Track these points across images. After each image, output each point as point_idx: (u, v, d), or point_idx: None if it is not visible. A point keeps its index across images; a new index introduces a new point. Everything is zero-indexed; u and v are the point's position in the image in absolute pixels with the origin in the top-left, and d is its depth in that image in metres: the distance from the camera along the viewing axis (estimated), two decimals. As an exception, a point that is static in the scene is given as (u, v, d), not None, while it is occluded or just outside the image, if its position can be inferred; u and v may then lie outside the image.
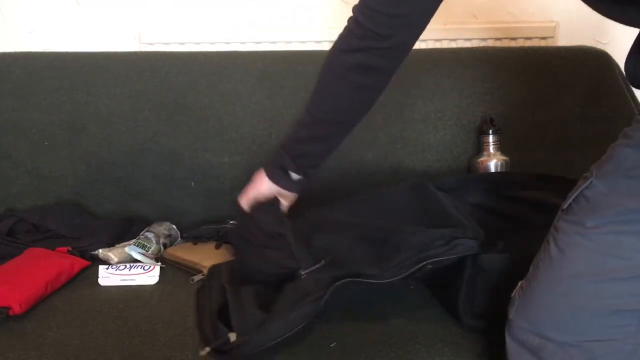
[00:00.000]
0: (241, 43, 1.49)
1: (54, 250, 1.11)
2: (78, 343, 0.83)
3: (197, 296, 0.96)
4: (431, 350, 0.82)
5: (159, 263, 1.08)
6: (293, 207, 1.03)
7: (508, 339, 0.75)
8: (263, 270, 0.95)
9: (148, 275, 1.03)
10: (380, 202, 1.04)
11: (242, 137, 1.31)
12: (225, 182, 1.32)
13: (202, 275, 1.02)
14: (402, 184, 1.09)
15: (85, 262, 1.09)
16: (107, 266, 1.04)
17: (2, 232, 1.19)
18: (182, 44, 1.49)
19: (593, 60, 1.37)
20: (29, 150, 1.31)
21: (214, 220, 1.23)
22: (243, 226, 1.02)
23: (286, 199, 1.00)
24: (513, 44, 1.52)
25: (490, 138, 1.28)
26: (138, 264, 1.05)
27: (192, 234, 1.21)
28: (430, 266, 0.83)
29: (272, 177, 0.97)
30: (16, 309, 0.89)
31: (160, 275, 1.03)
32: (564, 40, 1.53)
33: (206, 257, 1.07)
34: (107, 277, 1.02)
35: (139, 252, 1.10)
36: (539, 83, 1.35)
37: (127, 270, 1.03)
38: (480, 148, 1.31)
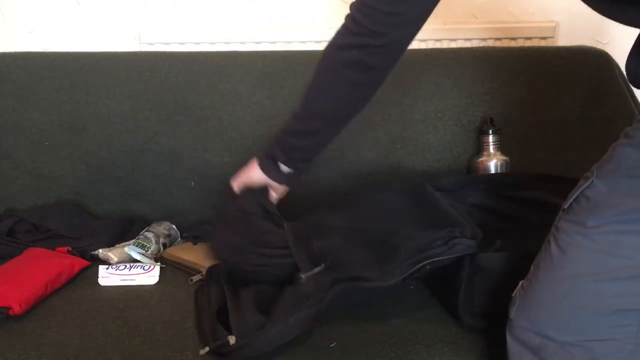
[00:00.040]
0: (241, 43, 1.49)
1: (54, 250, 1.11)
2: (78, 343, 0.83)
3: (195, 297, 0.96)
4: (431, 350, 0.82)
5: (159, 263, 1.08)
6: (283, 202, 1.03)
7: (509, 339, 0.75)
8: (260, 270, 0.95)
9: (148, 275, 1.03)
10: (377, 204, 1.04)
11: (242, 137, 1.31)
12: (225, 182, 1.31)
13: (201, 275, 1.02)
14: (400, 184, 1.09)
15: (85, 262, 1.09)
16: (107, 266, 1.04)
17: (2, 232, 1.20)
18: (182, 44, 1.49)
19: (593, 60, 1.37)
20: (29, 150, 1.31)
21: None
22: (228, 208, 1.02)
23: (275, 191, 1.00)
24: (513, 44, 1.52)
25: (490, 138, 1.28)
26: (138, 264, 1.06)
27: (192, 234, 1.21)
28: (429, 266, 0.83)
29: (263, 167, 0.97)
30: (16, 309, 0.89)
31: (160, 275, 1.03)
32: (564, 40, 1.53)
33: (206, 257, 1.07)
34: (107, 277, 1.02)
35: (139, 252, 1.10)
36: (539, 83, 1.35)
37: (127, 270, 1.03)
38: (480, 148, 1.31)
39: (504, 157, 1.29)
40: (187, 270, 1.06)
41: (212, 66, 1.35)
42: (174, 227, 1.24)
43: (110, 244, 1.15)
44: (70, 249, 1.12)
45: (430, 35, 1.50)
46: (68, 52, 1.39)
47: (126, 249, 1.10)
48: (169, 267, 1.08)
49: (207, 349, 0.78)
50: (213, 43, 1.49)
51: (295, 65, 1.34)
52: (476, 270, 0.85)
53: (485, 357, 0.82)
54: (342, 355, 0.81)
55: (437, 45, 1.51)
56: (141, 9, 1.49)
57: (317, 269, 0.87)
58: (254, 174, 0.99)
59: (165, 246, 1.16)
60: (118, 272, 1.03)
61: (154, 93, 1.32)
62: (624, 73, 1.35)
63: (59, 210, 1.27)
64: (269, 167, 0.97)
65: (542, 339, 0.72)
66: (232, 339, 0.77)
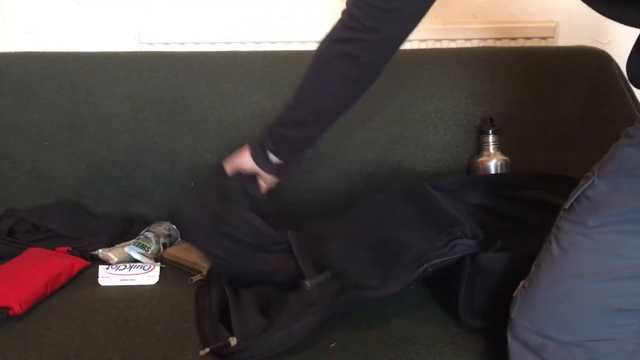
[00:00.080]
0: (241, 43, 1.49)
1: (54, 250, 1.11)
2: (78, 343, 0.83)
3: (196, 297, 0.96)
4: (431, 350, 0.82)
5: (159, 263, 1.08)
6: (282, 201, 1.04)
7: (510, 339, 0.75)
8: (262, 272, 0.95)
9: (148, 275, 1.03)
10: (378, 206, 1.04)
11: (242, 137, 1.31)
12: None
13: (201, 275, 1.01)
14: (400, 184, 1.09)
15: (85, 262, 1.09)
16: (107, 266, 1.04)
17: (2, 232, 1.19)
18: (182, 44, 1.49)
19: (593, 60, 1.38)
20: (29, 150, 1.31)
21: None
22: (212, 187, 1.02)
23: (265, 181, 1.00)
24: (513, 44, 1.52)
25: (490, 138, 1.28)
26: (138, 264, 1.06)
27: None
28: (431, 269, 0.83)
29: (254, 156, 0.97)
30: (16, 309, 0.89)
31: (160, 275, 1.03)
32: (564, 40, 1.53)
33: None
34: (107, 277, 1.02)
35: (139, 252, 1.10)
36: (539, 83, 1.35)
37: (127, 270, 1.03)
38: (480, 148, 1.31)
39: (504, 157, 1.29)
40: (187, 270, 1.06)
41: (212, 66, 1.35)
42: (174, 227, 1.24)
43: (110, 244, 1.15)
44: (70, 249, 1.12)
45: (430, 35, 1.50)
46: (68, 52, 1.39)
47: (126, 249, 1.10)
48: (169, 267, 1.08)
49: (207, 349, 0.78)
50: (213, 43, 1.49)
51: (295, 65, 1.34)
52: (477, 270, 0.85)
53: (485, 357, 0.82)
54: (342, 355, 0.81)
55: (437, 45, 1.51)
56: (141, 9, 1.49)
57: (321, 277, 0.87)
58: (245, 161, 0.99)
59: (165, 246, 1.16)
60: (118, 272, 1.03)
61: (154, 93, 1.33)
62: (624, 73, 1.35)
63: (59, 210, 1.27)
64: (259, 157, 0.97)
65: (543, 339, 0.72)
66: (233, 341, 0.77)
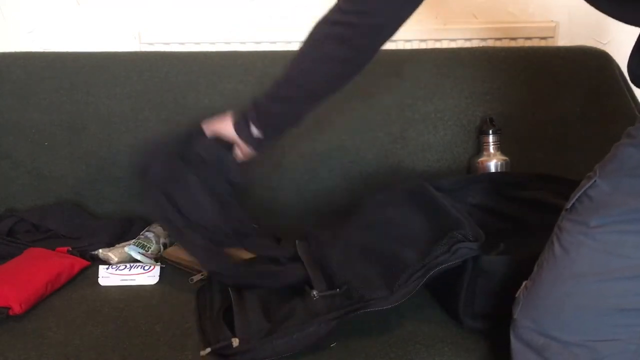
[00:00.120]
0: (241, 43, 1.49)
1: (54, 250, 1.11)
2: (78, 343, 0.83)
3: (197, 297, 0.96)
4: (431, 350, 0.82)
5: (159, 263, 1.08)
6: (283, 203, 1.03)
7: (512, 339, 0.75)
8: (265, 277, 0.96)
9: (148, 275, 1.03)
10: (381, 209, 1.04)
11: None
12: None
13: (202, 275, 1.02)
14: (400, 186, 1.09)
15: (85, 262, 1.09)
16: (107, 266, 1.04)
17: (2, 232, 1.19)
18: (182, 44, 1.49)
19: (593, 60, 1.37)
20: (29, 150, 1.31)
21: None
22: (185, 145, 1.00)
23: (242, 151, 0.99)
24: (513, 44, 1.52)
25: (490, 138, 1.28)
26: (138, 264, 1.05)
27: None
28: (434, 275, 0.83)
29: (235, 125, 0.97)
30: (16, 309, 0.89)
31: (160, 275, 1.03)
32: (564, 40, 1.53)
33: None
34: (107, 277, 1.02)
35: (139, 252, 1.10)
36: (539, 83, 1.35)
37: (127, 270, 1.03)
38: (480, 148, 1.31)
39: (504, 157, 1.29)
40: (187, 270, 1.06)
41: (212, 66, 1.35)
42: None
43: (110, 244, 1.15)
44: (70, 249, 1.12)
45: (430, 35, 1.50)
46: (68, 52, 1.39)
47: (126, 249, 1.10)
48: (169, 267, 1.08)
49: (208, 349, 0.78)
50: (213, 43, 1.49)
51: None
52: (479, 272, 0.85)
53: (485, 358, 0.82)
54: (342, 355, 0.81)
55: (437, 45, 1.51)
56: (141, 9, 1.49)
57: (332, 292, 0.87)
58: (226, 128, 0.98)
59: (165, 246, 1.16)
60: (118, 272, 1.03)
61: (154, 93, 1.32)
62: (624, 73, 1.35)
63: (59, 210, 1.27)
64: (241, 127, 0.96)
65: (545, 339, 0.72)
66: (235, 341, 0.78)
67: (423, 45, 1.50)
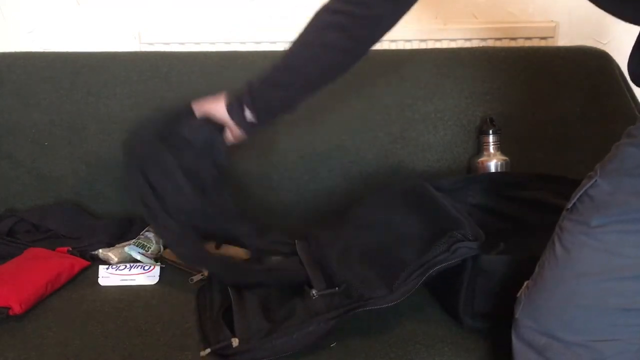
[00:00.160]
0: (241, 43, 1.49)
1: (54, 250, 1.11)
2: (78, 343, 0.83)
3: (197, 297, 0.96)
4: (431, 350, 0.82)
5: (159, 263, 1.08)
6: (283, 204, 1.03)
7: (514, 339, 0.75)
8: (265, 275, 0.96)
9: (148, 275, 1.03)
10: (380, 212, 1.04)
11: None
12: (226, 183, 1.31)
13: (202, 275, 1.01)
14: (399, 186, 1.09)
15: (85, 262, 1.09)
16: (107, 266, 1.04)
17: (2, 232, 1.19)
18: (182, 44, 1.49)
19: (593, 60, 1.37)
20: (29, 150, 1.31)
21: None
22: (172, 125, 0.99)
23: (232, 133, 0.98)
24: (513, 44, 1.52)
25: (490, 138, 1.28)
26: (138, 264, 1.05)
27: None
28: (434, 274, 0.83)
29: (228, 107, 0.96)
30: (16, 309, 0.89)
31: (160, 275, 1.04)
32: (564, 40, 1.53)
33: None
34: (107, 277, 1.02)
35: (139, 252, 1.10)
36: (539, 83, 1.35)
37: (127, 270, 1.03)
38: (480, 148, 1.31)
39: (504, 157, 1.29)
40: (187, 270, 1.06)
41: (212, 66, 1.35)
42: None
43: (110, 244, 1.15)
44: (70, 249, 1.12)
45: (430, 35, 1.50)
46: (68, 52, 1.39)
47: (126, 249, 1.10)
48: (169, 267, 1.08)
49: (208, 350, 0.78)
50: (213, 43, 1.49)
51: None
52: (478, 272, 0.85)
53: (485, 358, 0.82)
54: (342, 355, 0.81)
55: (437, 45, 1.51)
56: (141, 9, 1.48)
57: (331, 291, 0.87)
58: (217, 109, 0.97)
59: (165, 246, 1.16)
60: (118, 272, 1.03)
61: (154, 93, 1.32)
62: (624, 73, 1.35)
63: (59, 210, 1.27)
64: (234, 109, 0.96)
65: (547, 339, 0.72)
66: (235, 341, 0.78)
67: (423, 45, 1.50)
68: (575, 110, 1.35)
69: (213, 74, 1.34)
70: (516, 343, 0.75)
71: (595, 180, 0.69)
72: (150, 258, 1.10)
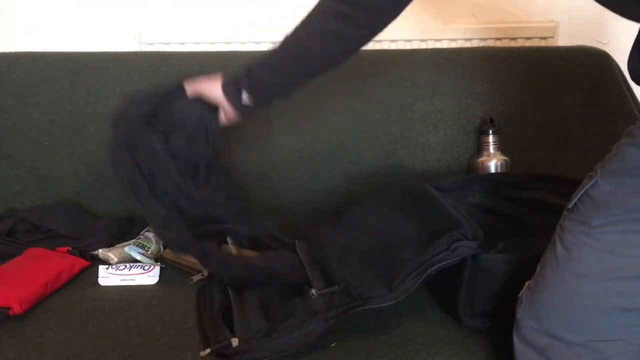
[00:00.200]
0: (241, 43, 1.49)
1: (54, 250, 1.11)
2: (78, 343, 0.83)
3: (197, 297, 0.96)
4: (431, 350, 0.82)
5: (159, 263, 1.08)
6: (283, 203, 1.03)
7: (515, 339, 0.75)
8: (266, 273, 0.96)
9: (148, 275, 1.03)
10: (379, 212, 1.04)
11: (241, 137, 1.31)
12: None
13: (202, 275, 1.01)
14: (399, 185, 1.09)
15: (85, 262, 1.09)
16: (107, 266, 1.04)
17: (2, 232, 1.19)
18: (182, 44, 1.49)
19: (593, 60, 1.37)
20: (29, 150, 1.31)
21: (214, 220, 1.23)
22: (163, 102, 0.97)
23: (226, 114, 0.98)
24: (513, 44, 1.52)
25: (490, 138, 1.28)
26: (138, 264, 1.06)
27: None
28: (433, 273, 0.83)
29: (224, 87, 0.95)
30: (16, 309, 0.89)
31: (160, 275, 1.03)
32: (564, 40, 1.53)
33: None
34: (107, 277, 1.02)
35: (139, 252, 1.10)
36: (539, 83, 1.35)
37: (127, 270, 1.03)
38: (480, 148, 1.31)
39: (504, 157, 1.29)
40: (187, 270, 1.06)
41: (212, 66, 1.34)
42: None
43: (110, 244, 1.15)
44: (70, 249, 1.12)
45: (430, 35, 1.50)
46: (68, 52, 1.39)
47: (126, 249, 1.10)
48: (169, 267, 1.08)
49: (208, 350, 0.78)
50: (213, 43, 1.49)
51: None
52: (478, 271, 0.85)
53: (485, 357, 0.82)
54: (342, 355, 0.81)
55: (437, 45, 1.51)
56: (141, 9, 1.48)
57: (330, 289, 0.87)
58: (213, 90, 0.96)
59: (165, 246, 1.16)
60: (118, 272, 1.03)
61: (154, 93, 1.32)
62: (624, 73, 1.35)
63: (59, 210, 1.27)
64: (231, 91, 0.95)
65: (548, 339, 0.72)
66: (234, 341, 0.78)
67: (423, 45, 1.50)
68: (575, 110, 1.35)
69: (213, 74, 1.33)
70: (517, 343, 0.75)
71: (596, 180, 0.69)
72: (150, 258, 1.10)
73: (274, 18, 1.51)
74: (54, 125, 1.31)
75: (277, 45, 0.91)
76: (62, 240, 1.18)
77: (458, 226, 0.85)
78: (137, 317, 0.90)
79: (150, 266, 1.04)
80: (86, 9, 1.48)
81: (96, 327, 0.87)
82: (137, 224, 1.25)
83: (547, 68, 1.36)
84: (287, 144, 1.31)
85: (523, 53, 1.39)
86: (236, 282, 0.93)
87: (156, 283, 1.02)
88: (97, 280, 1.02)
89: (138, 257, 1.09)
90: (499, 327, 0.80)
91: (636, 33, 0.71)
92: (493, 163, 1.28)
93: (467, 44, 1.51)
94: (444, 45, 1.51)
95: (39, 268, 1.00)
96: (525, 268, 0.78)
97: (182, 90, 0.98)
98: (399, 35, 1.47)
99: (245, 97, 0.94)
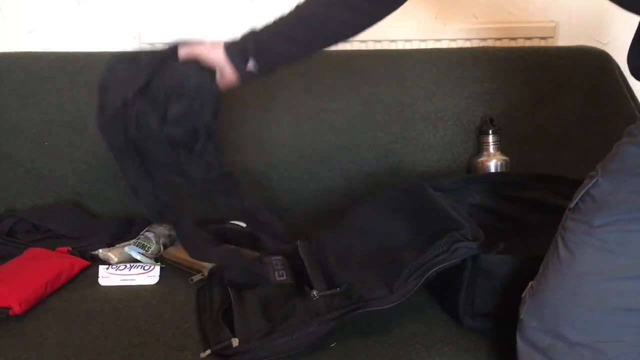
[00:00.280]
0: (241, 43, 1.49)
1: (54, 250, 1.11)
2: (78, 343, 0.83)
3: (197, 297, 0.96)
4: (431, 350, 0.82)
5: (159, 263, 1.08)
6: (283, 203, 1.03)
7: (519, 340, 0.75)
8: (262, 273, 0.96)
9: (148, 275, 1.03)
10: (379, 213, 1.04)
11: (241, 137, 1.31)
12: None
13: (202, 275, 1.01)
14: (399, 186, 1.09)
15: (85, 262, 1.09)
16: (107, 266, 1.04)
17: (2, 232, 1.19)
18: (182, 44, 1.49)
19: (593, 60, 1.37)
20: (29, 150, 1.31)
21: (214, 221, 1.23)
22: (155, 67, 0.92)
23: (224, 79, 0.94)
24: (513, 44, 1.52)
25: (490, 138, 1.28)
26: (138, 264, 1.06)
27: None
28: (433, 274, 0.83)
29: (228, 50, 0.92)
30: (16, 309, 0.89)
31: (160, 275, 1.03)
32: (564, 40, 1.53)
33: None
34: (107, 277, 1.02)
35: (139, 252, 1.10)
36: (539, 83, 1.35)
37: (127, 270, 1.03)
38: (480, 148, 1.31)
39: (504, 157, 1.29)
40: (187, 270, 1.06)
41: (212, 66, 1.34)
42: (174, 227, 1.23)
43: (110, 244, 1.15)
44: (70, 249, 1.12)
45: (430, 35, 1.50)
46: (68, 52, 1.39)
47: (126, 249, 1.10)
48: (169, 267, 1.08)
49: (208, 351, 0.78)
50: (213, 43, 1.49)
51: (295, 64, 1.34)
52: (478, 272, 0.85)
53: (485, 357, 0.82)
54: (342, 355, 0.81)
55: (437, 45, 1.51)
56: (141, 9, 1.48)
57: (332, 291, 0.87)
58: (214, 53, 0.92)
59: (165, 246, 1.16)
60: (118, 272, 1.03)
61: (154, 93, 1.32)
62: (624, 72, 1.35)
63: (59, 210, 1.27)
64: (236, 56, 0.91)
65: (551, 340, 0.71)
66: (235, 342, 0.78)
67: (423, 45, 1.50)
68: (575, 110, 1.35)
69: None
70: (521, 344, 0.75)
71: (597, 180, 0.69)
72: (150, 258, 1.10)
73: (274, 18, 1.51)
74: (54, 125, 1.31)
75: (284, 13, 0.89)
76: (62, 240, 1.18)
77: (458, 227, 0.85)
78: (137, 317, 0.90)
79: (150, 266, 1.04)
80: (86, 9, 1.48)
81: (96, 327, 0.87)
82: (137, 224, 1.25)
83: (547, 68, 1.36)
84: (287, 144, 1.31)
85: (523, 53, 1.39)
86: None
87: (156, 283, 1.02)
88: (97, 280, 1.02)
89: (138, 257, 1.09)
90: (499, 327, 0.80)
91: (636, 27, 0.71)
92: (493, 163, 1.28)
93: (467, 44, 1.51)
94: (444, 45, 1.51)
95: (39, 268, 1.00)
96: (526, 268, 0.78)
97: (175, 53, 0.93)
98: (399, 35, 1.47)
99: (251, 64, 0.92)
